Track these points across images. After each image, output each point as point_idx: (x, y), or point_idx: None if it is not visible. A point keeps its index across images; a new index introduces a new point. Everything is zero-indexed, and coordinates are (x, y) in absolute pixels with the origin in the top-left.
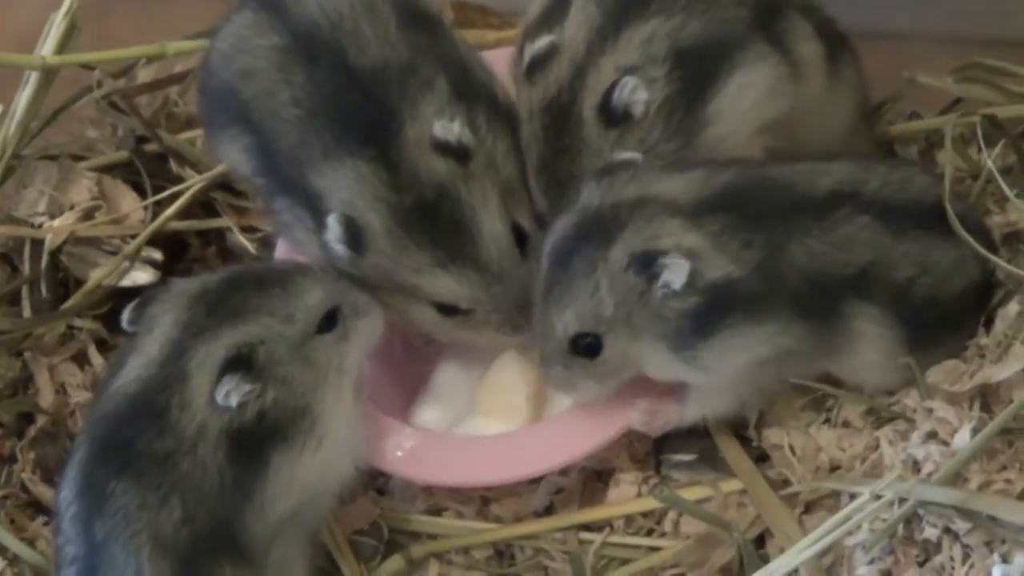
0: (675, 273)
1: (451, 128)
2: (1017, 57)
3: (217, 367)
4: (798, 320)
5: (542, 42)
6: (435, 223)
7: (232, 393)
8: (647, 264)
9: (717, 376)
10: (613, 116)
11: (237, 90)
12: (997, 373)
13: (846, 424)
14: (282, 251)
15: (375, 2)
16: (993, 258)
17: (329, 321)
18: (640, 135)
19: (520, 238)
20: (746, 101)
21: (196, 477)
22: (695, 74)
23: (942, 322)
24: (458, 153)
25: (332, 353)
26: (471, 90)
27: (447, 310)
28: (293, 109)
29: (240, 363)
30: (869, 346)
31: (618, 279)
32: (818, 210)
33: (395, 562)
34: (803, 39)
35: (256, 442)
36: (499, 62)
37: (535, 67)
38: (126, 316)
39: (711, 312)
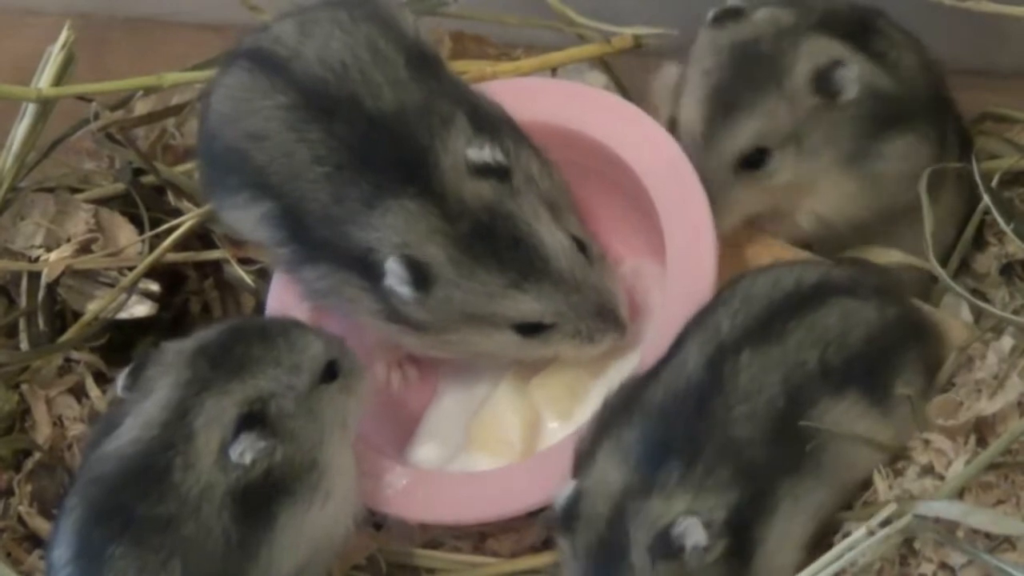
0: (693, 535)
1: (484, 152)
2: (1004, 89)
3: (231, 424)
4: (869, 407)
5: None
6: (497, 244)
7: (247, 451)
8: (667, 544)
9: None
10: None
11: (248, 154)
12: (990, 406)
13: None
14: (277, 287)
15: (378, 46)
16: (979, 303)
17: (330, 373)
18: None
19: (579, 246)
20: None
21: (200, 539)
22: None
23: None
24: (498, 172)
25: (336, 404)
26: (489, 121)
27: (528, 330)
28: (317, 168)
29: (255, 420)
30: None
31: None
32: (712, 382)
33: None
34: None
35: (262, 500)
36: (497, 95)
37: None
38: (121, 382)
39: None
